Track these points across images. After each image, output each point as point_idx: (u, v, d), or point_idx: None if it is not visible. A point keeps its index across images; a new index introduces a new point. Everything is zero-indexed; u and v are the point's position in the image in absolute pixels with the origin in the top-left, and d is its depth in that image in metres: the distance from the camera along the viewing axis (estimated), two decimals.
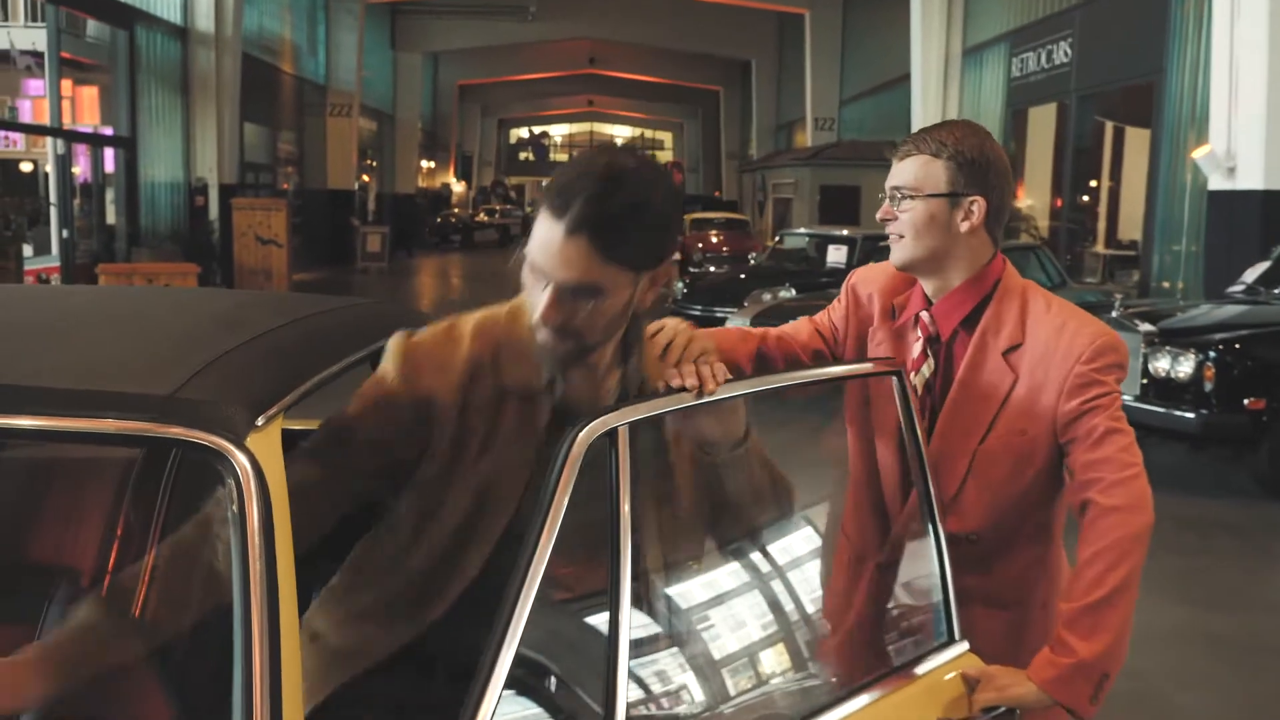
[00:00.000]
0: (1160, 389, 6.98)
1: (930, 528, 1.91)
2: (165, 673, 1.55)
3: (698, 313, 13.31)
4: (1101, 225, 16.23)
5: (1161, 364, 6.97)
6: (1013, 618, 2.02)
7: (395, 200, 31.67)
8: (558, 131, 61.96)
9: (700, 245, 21.00)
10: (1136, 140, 15.70)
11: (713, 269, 17.85)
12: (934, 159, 1.92)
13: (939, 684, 1.85)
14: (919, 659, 1.87)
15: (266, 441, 1.38)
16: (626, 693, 1.42)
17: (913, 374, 2.03)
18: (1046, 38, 14.87)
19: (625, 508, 1.48)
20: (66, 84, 16.09)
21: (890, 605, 2.04)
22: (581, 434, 1.46)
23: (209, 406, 1.37)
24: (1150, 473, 1.87)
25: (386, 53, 32.10)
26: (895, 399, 1.93)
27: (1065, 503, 2.01)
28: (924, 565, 1.93)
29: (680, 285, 14.21)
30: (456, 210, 39.71)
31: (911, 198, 1.93)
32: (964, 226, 1.93)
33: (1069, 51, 14.27)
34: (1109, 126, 16.37)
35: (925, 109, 17.28)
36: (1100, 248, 15.63)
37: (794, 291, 11.70)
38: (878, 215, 1.98)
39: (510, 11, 31.35)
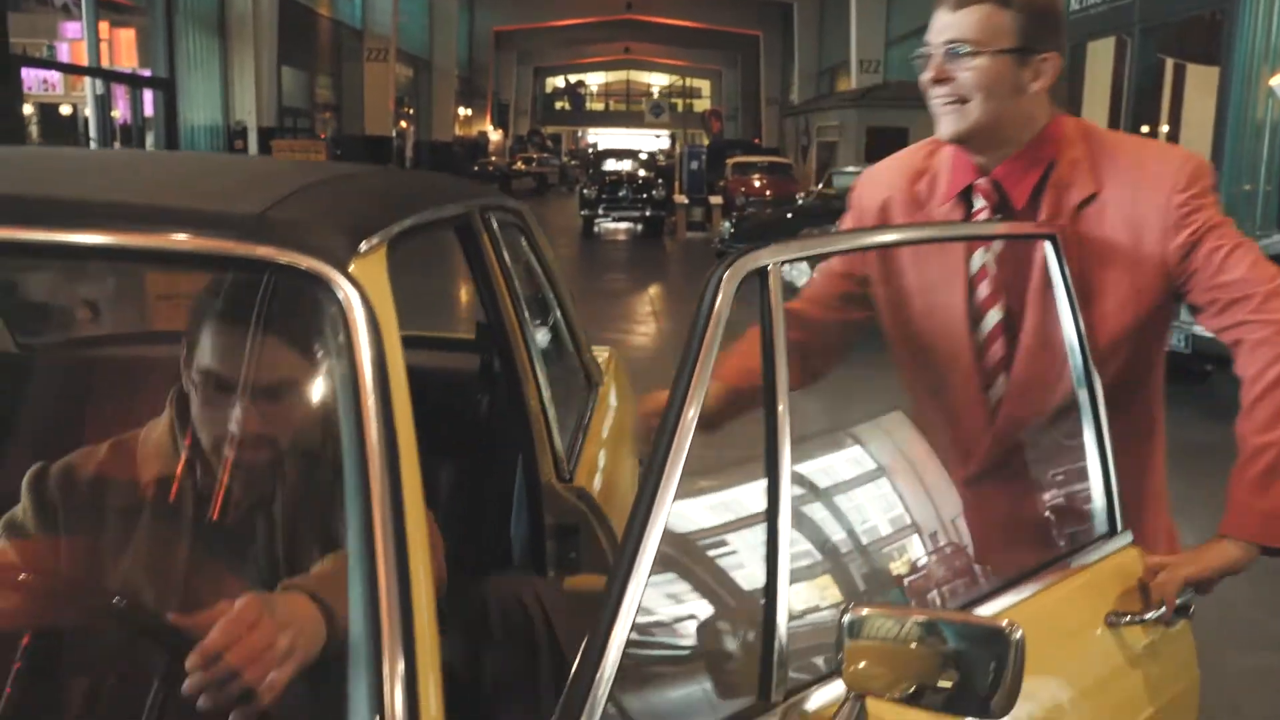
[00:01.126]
0: None
1: (1091, 410, 1.69)
2: (246, 544, 1.37)
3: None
4: None
5: None
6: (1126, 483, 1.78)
7: (433, 147, 31.43)
8: (594, 80, 61.29)
9: (743, 189, 20.66)
10: (1198, 78, 15.15)
11: (750, 212, 17.54)
12: (1001, 8, 1.63)
13: (1106, 576, 1.66)
14: (1081, 550, 1.67)
15: (372, 270, 1.18)
16: (789, 569, 1.22)
17: (977, 253, 1.77)
18: None
19: (781, 359, 1.28)
20: (103, 26, 15.92)
21: (1049, 495, 1.83)
22: (728, 272, 1.25)
23: (306, 226, 1.17)
24: (1230, 408, 1.68)
25: None
26: (1050, 267, 1.72)
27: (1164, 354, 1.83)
28: (1081, 452, 1.72)
29: (727, 225, 13.96)
30: (494, 158, 39.39)
31: (975, 54, 1.63)
32: (1034, 87, 1.67)
33: None
34: (1169, 64, 15.80)
35: None
36: None
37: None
38: (928, 76, 1.68)
39: None
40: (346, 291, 1.12)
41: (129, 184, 1.30)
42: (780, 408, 1.27)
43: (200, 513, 1.41)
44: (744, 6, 37.22)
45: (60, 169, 1.43)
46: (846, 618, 1.16)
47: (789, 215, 14.07)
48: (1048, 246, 1.73)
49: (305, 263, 1.12)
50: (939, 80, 1.66)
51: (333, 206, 1.28)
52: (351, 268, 1.15)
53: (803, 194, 17.71)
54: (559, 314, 2.63)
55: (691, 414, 1.15)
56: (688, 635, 1.38)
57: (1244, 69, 10.99)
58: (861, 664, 1.16)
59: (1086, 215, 1.71)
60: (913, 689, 1.15)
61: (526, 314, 2.07)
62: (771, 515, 1.24)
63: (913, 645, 1.15)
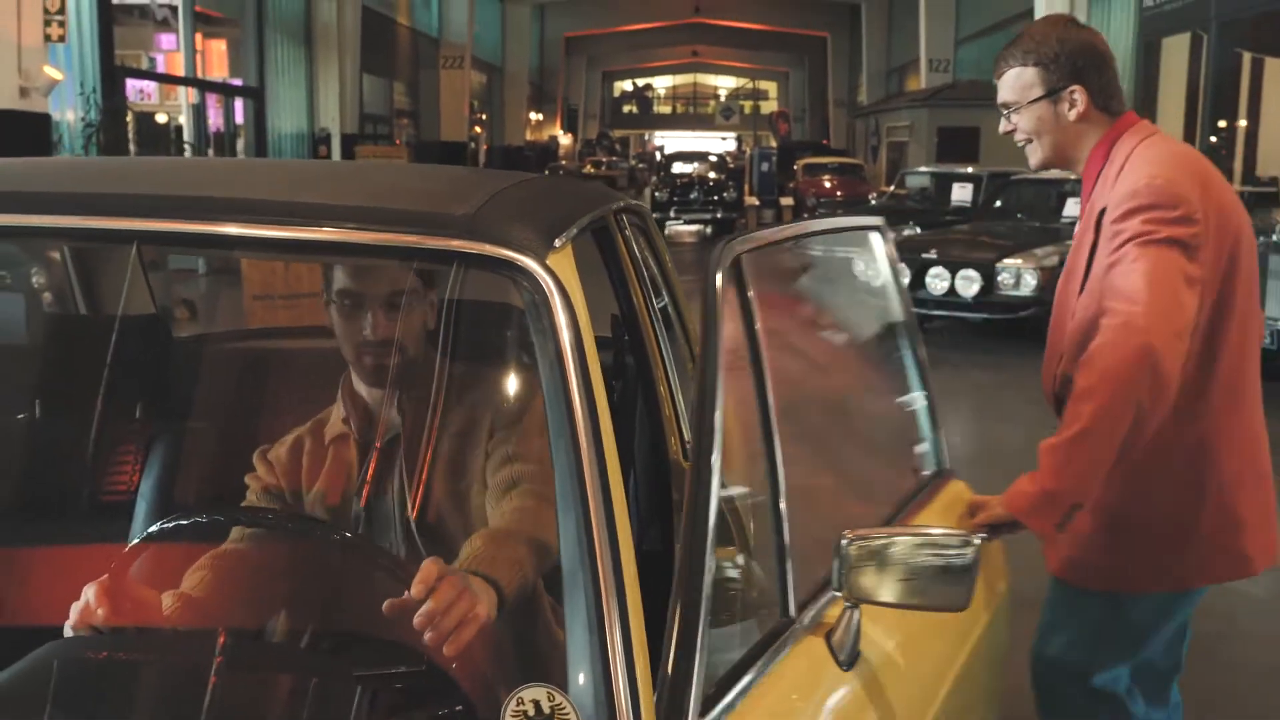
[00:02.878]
0: None
1: (919, 374, 2.08)
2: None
3: (819, 253, 13.22)
4: (1238, 161, 15.55)
5: None
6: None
7: (505, 152, 31.93)
8: (661, 83, 61.54)
9: (814, 190, 20.73)
10: (1277, 70, 14.96)
11: (822, 214, 17.64)
12: (1024, 68, 2.04)
13: (946, 504, 2.01)
14: (928, 485, 2.05)
15: (563, 263, 1.42)
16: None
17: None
18: None
19: (762, 338, 1.54)
20: (197, 38, 16.53)
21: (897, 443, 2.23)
22: (720, 263, 1.43)
23: (511, 226, 1.41)
24: None
25: (495, 5, 32.26)
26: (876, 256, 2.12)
27: None
28: (916, 405, 2.10)
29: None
30: (564, 162, 39.77)
31: (1018, 109, 2.06)
32: (1073, 115, 2.03)
33: None
34: (1246, 58, 15.60)
35: None
36: (1237, 185, 14.98)
37: (918, 229, 11.52)
38: (1000, 129, 2.12)
39: None
40: (546, 280, 1.36)
41: (353, 191, 1.55)
42: (768, 384, 1.54)
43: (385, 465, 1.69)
44: (811, 8, 37.20)
45: (283, 178, 1.70)
46: (843, 540, 1.42)
47: None
48: (874, 237, 2.10)
49: (514, 257, 1.36)
50: (1007, 132, 2.10)
51: (522, 210, 1.52)
52: (548, 260, 1.38)
53: (875, 194, 17.76)
54: (672, 308, 2.85)
55: (719, 385, 1.33)
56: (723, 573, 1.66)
57: None
58: (856, 577, 1.42)
59: (1099, 225, 1.99)
60: (898, 593, 1.42)
61: (656, 307, 2.30)
62: (772, 478, 1.51)
63: (897, 558, 1.41)
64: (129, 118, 12.99)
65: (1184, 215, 1.83)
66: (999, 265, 9.25)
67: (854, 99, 36.32)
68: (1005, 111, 2.08)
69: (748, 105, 54.64)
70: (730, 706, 1.27)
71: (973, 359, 9.34)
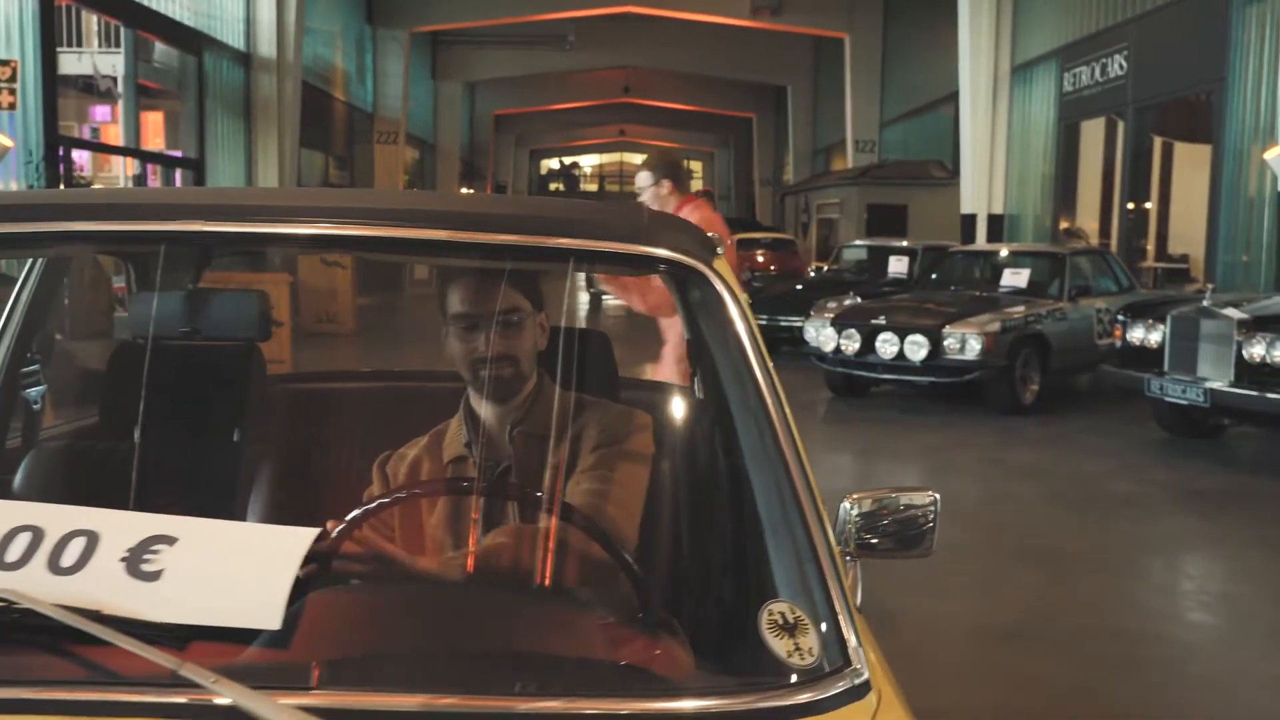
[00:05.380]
0: (1254, 374, 7.17)
1: None
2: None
3: (764, 322, 13.60)
4: (1151, 240, 16.38)
5: (1256, 350, 7.15)
6: None
7: None
8: (587, 162, 62.54)
9: (748, 264, 21.21)
10: (1186, 155, 15.89)
11: (757, 286, 18.11)
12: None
13: None
14: None
15: (725, 267, 1.61)
16: None
17: None
18: (1100, 51, 15.10)
19: None
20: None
21: None
22: None
23: (677, 236, 1.59)
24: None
25: (427, 82, 32.65)
26: None
27: None
28: None
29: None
30: None
31: (643, 190, 3.92)
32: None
33: (1124, 65, 14.49)
34: (1158, 142, 16.53)
35: (974, 127, 17.50)
36: (1151, 262, 15.78)
37: (859, 299, 11.93)
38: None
39: (549, 41, 31.89)
40: (715, 280, 1.55)
41: (522, 209, 1.73)
42: None
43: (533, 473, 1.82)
44: (737, 90, 38.32)
45: (463, 200, 1.86)
46: (846, 504, 1.65)
47: (799, 288, 14.65)
48: None
49: (689, 261, 1.55)
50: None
51: (675, 227, 1.70)
52: (715, 265, 1.57)
53: (812, 267, 18.31)
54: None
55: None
56: None
57: (1235, 146, 11.63)
58: (855, 532, 1.65)
59: None
60: (886, 544, 1.65)
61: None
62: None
63: (883, 516, 1.65)
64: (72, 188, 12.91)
65: None
66: (945, 331, 9.64)
67: (780, 178, 37.34)
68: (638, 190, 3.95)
69: None
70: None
71: (922, 420, 9.69)
